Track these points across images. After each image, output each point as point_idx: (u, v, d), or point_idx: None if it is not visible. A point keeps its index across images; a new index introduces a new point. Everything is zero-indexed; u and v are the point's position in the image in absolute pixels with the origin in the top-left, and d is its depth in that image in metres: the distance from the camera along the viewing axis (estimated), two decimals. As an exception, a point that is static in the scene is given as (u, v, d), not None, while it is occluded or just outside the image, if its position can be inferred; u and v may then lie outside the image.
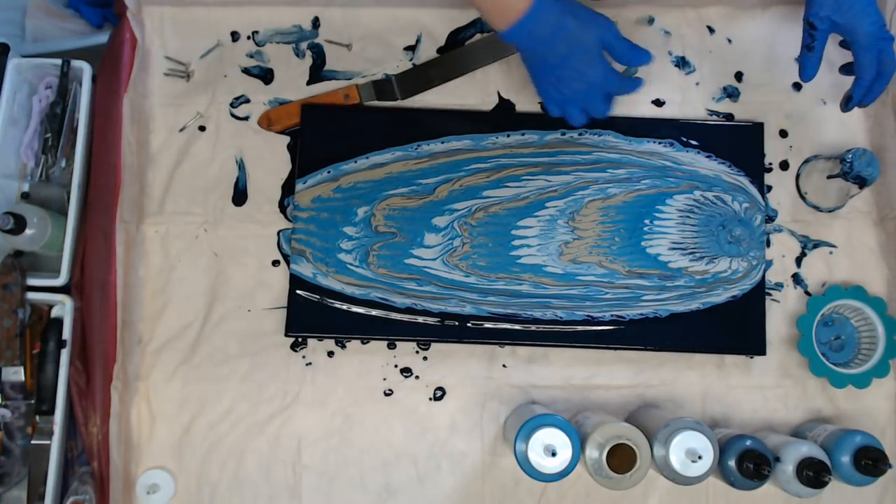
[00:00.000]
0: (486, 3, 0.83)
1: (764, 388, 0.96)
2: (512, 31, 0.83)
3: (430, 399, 0.95)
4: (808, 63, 0.91)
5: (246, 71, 1.01)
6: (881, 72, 0.90)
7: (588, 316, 0.94)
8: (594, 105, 0.91)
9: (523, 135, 0.98)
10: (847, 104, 0.92)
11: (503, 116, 0.99)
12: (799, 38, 1.02)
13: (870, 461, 0.85)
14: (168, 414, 0.95)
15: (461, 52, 1.01)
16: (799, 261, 0.99)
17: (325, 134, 0.97)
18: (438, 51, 1.01)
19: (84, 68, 0.97)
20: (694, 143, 0.98)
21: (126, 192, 0.95)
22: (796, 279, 0.98)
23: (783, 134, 1.01)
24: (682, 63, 1.02)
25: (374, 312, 0.94)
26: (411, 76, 1.00)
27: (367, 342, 0.96)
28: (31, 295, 0.93)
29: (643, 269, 0.95)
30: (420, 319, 0.94)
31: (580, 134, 0.98)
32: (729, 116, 1.01)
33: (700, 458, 0.83)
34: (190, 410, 0.95)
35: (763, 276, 0.96)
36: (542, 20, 0.82)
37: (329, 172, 0.97)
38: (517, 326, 0.94)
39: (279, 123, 0.99)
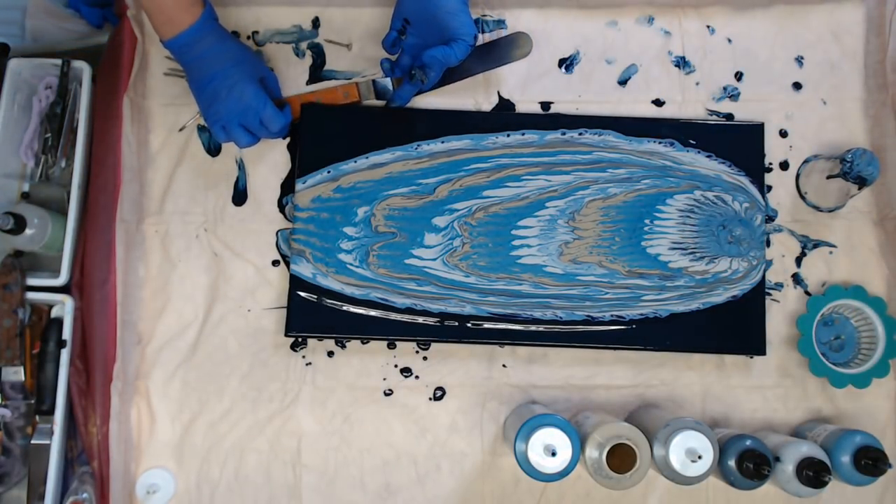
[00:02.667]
0: (157, 13, 0.88)
1: (764, 388, 0.96)
2: (174, 41, 0.89)
3: (430, 399, 0.95)
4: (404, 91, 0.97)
5: (246, 71, 1.01)
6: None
7: (588, 316, 0.94)
8: (253, 125, 0.92)
9: (523, 135, 0.97)
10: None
11: (503, 116, 0.99)
12: (799, 39, 1.03)
13: (870, 461, 0.85)
14: (168, 413, 0.94)
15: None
16: (799, 261, 0.99)
17: (324, 134, 0.98)
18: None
19: (84, 68, 0.98)
20: (694, 142, 0.98)
21: (126, 191, 0.95)
22: (796, 279, 0.98)
23: (783, 134, 1.01)
24: (682, 63, 1.02)
25: (373, 313, 0.94)
26: None
27: (367, 342, 0.96)
28: (31, 295, 0.93)
29: (643, 269, 0.95)
30: (420, 320, 0.94)
31: (580, 134, 0.98)
32: (729, 116, 1.01)
33: (700, 457, 0.83)
34: (190, 410, 0.94)
35: (763, 276, 0.96)
36: (204, 35, 0.90)
37: (329, 172, 0.97)
38: (517, 326, 0.94)
39: None
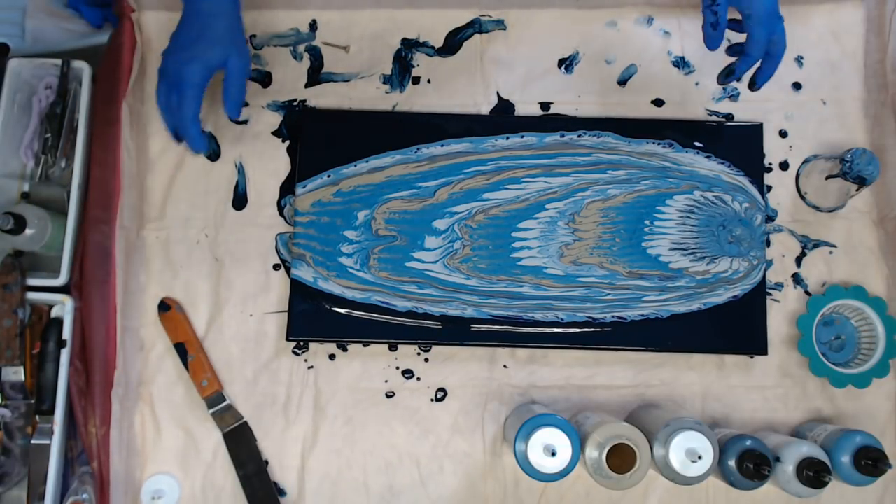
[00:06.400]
0: None
1: (764, 388, 0.96)
2: None
3: (432, 400, 0.95)
4: (715, 37, 0.87)
5: (244, 74, 1.01)
6: (771, 52, 0.88)
7: (589, 318, 0.94)
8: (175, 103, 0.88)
9: (522, 137, 0.97)
10: (726, 77, 0.90)
11: (502, 119, 0.99)
12: (798, 39, 1.02)
13: (870, 461, 0.86)
14: (172, 419, 0.94)
15: None
16: (799, 261, 0.99)
17: (324, 138, 0.97)
18: (437, 51, 1.02)
19: (84, 68, 0.97)
20: (694, 143, 0.98)
21: (125, 197, 0.95)
22: (796, 279, 0.98)
23: (783, 134, 1.01)
24: (681, 63, 1.02)
25: (375, 316, 0.94)
26: None
27: (368, 345, 0.96)
28: (31, 295, 0.93)
29: (644, 269, 0.95)
30: (421, 322, 0.94)
31: (579, 136, 0.98)
32: (729, 116, 1.01)
33: (700, 458, 0.83)
34: (194, 416, 0.94)
35: (764, 276, 0.96)
36: None
37: (329, 177, 0.97)
38: (518, 329, 0.94)
39: None
